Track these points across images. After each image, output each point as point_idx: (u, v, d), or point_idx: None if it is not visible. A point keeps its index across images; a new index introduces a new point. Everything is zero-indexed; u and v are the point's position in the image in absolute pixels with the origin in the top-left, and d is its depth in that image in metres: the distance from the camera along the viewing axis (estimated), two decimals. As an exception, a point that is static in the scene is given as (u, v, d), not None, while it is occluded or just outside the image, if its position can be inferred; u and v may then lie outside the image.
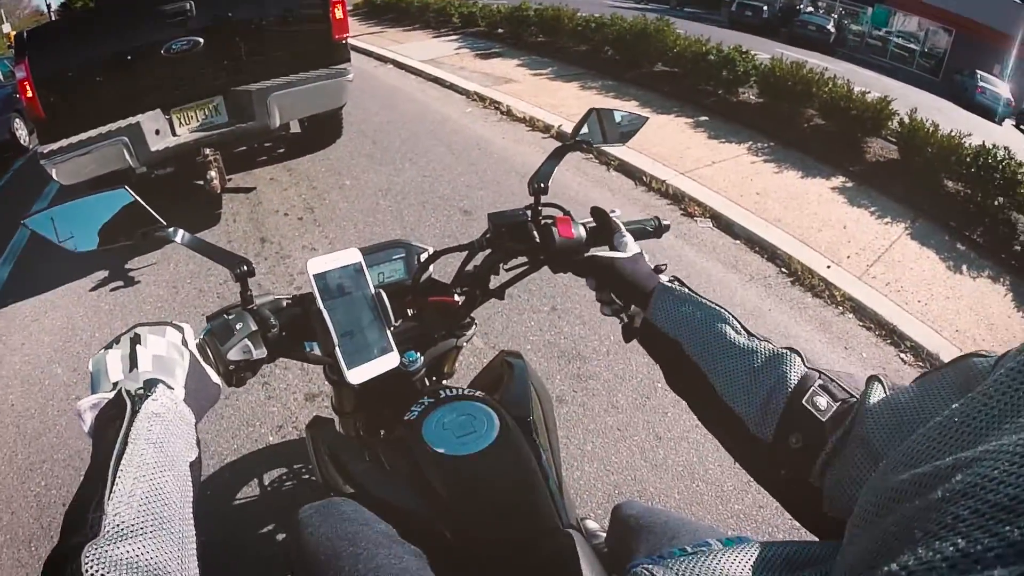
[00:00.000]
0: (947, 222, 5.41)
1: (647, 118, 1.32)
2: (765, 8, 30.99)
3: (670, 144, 6.39)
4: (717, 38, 9.44)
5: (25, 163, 10.64)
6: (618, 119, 1.27)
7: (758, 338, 0.78)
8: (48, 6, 55.34)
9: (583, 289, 3.25)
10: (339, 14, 5.14)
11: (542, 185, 1.09)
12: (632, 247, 1.01)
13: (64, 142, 4.59)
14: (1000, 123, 20.57)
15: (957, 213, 5.50)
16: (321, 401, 3.14)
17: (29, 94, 4.56)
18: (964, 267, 4.82)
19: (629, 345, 2.88)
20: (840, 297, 4.09)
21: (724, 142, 6.66)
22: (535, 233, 1.07)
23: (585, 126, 1.23)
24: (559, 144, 1.20)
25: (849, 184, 5.89)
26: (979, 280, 4.73)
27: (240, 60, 4.98)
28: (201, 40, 4.75)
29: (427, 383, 1.10)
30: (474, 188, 5.56)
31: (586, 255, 1.03)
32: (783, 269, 4.38)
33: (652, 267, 0.98)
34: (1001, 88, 22.72)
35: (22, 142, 11.62)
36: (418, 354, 1.07)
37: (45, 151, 4.60)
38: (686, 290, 0.90)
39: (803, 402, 0.68)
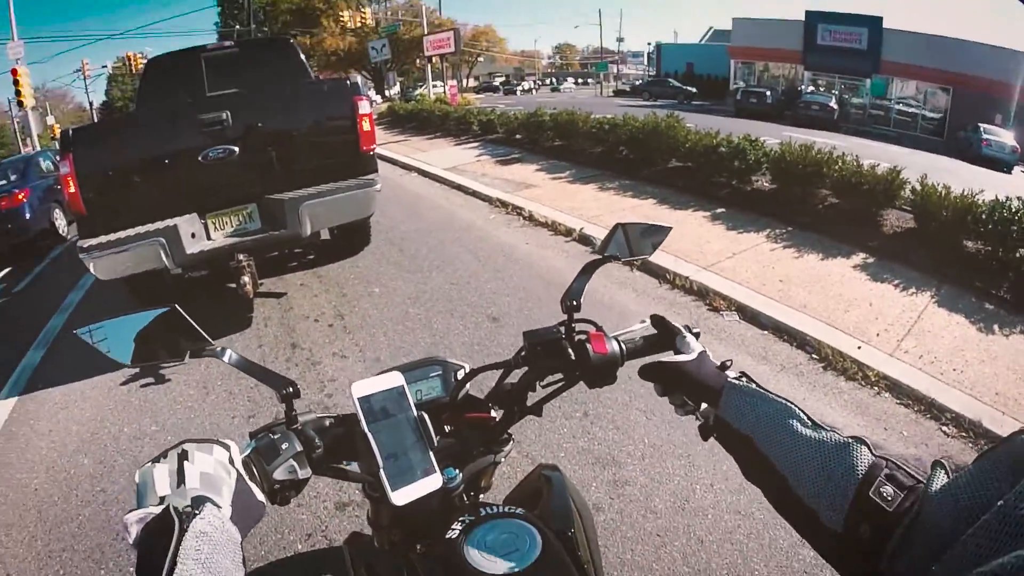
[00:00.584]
0: (972, 283, 5.39)
1: (670, 227, 1.36)
2: (768, 93, 31.96)
3: (690, 239, 6.50)
4: (726, 128, 9.68)
5: (62, 252, 11.05)
6: (643, 231, 1.31)
7: (826, 428, 0.79)
8: (90, 104, 58.23)
9: (615, 393, 3.50)
10: (367, 126, 5.31)
11: (575, 302, 1.10)
12: (695, 347, 1.04)
13: (103, 238, 4.73)
14: (1010, 172, 20.79)
15: (980, 273, 5.49)
16: (352, 511, 3.12)
17: (71, 189, 4.73)
18: (995, 326, 4.78)
19: (662, 447, 3.03)
20: (874, 377, 4.05)
21: (742, 232, 6.76)
22: (570, 350, 1.07)
23: (612, 241, 1.28)
24: (589, 260, 1.24)
25: (870, 260, 5.91)
26: (1012, 337, 4.67)
27: (273, 169, 5.14)
28: (236, 149, 4.96)
29: (465, 499, 1.08)
30: (501, 295, 5.63)
31: (652, 362, 1.04)
32: (813, 355, 4.37)
33: (718, 364, 1.00)
34: (1005, 137, 22.96)
35: (60, 232, 12.06)
36: (456, 471, 1.05)
37: (84, 246, 4.72)
38: (754, 385, 0.92)
39: (870, 493, 0.69)
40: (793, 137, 10.50)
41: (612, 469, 3.24)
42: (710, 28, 62.97)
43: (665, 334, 1.11)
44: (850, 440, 0.75)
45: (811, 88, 35.23)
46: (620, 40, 78.34)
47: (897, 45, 31.99)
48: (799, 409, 0.83)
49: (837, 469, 0.74)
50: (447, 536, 0.89)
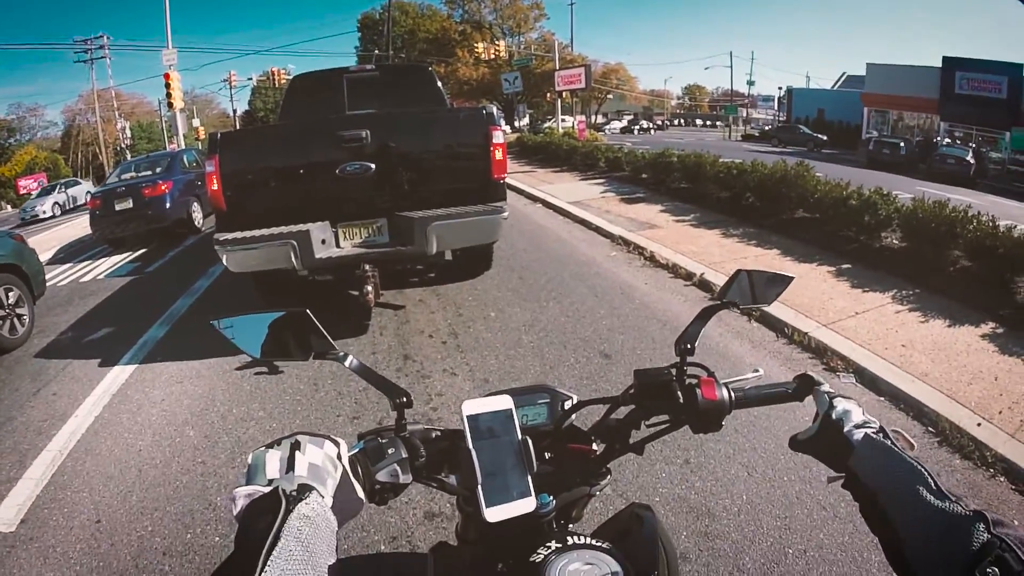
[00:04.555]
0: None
1: (792, 277, 1.35)
2: (902, 144, 30.52)
3: (812, 294, 6.39)
4: (856, 179, 9.41)
5: (196, 242, 12.05)
6: (765, 280, 1.31)
7: (951, 498, 0.78)
8: (234, 111, 62.37)
9: (719, 444, 3.61)
10: (499, 155, 5.42)
11: (689, 346, 1.12)
12: (825, 403, 1.06)
13: (239, 234, 5.06)
14: None
15: None
16: (440, 522, 3.18)
17: (215, 187, 5.07)
18: None
19: (760, 505, 3.14)
20: (991, 458, 3.79)
21: (867, 291, 6.57)
22: (679, 393, 1.08)
23: (733, 287, 1.29)
24: (707, 305, 1.26)
25: (1000, 330, 5.57)
26: None
27: (405, 188, 5.38)
28: (373, 166, 5.21)
29: (555, 526, 1.09)
30: (615, 332, 5.64)
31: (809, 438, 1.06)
32: (930, 428, 4.18)
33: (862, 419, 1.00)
34: None
35: (196, 223, 13.27)
36: (551, 498, 1.06)
37: (220, 239, 5.05)
38: (888, 442, 0.91)
39: (976, 571, 0.69)
40: (927, 192, 10.13)
41: (705, 520, 3.18)
42: (843, 74, 61.36)
43: (802, 388, 1.13)
44: (970, 514, 0.74)
45: (947, 140, 33.37)
46: (751, 83, 77.01)
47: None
48: (928, 473, 0.82)
49: (949, 542, 0.74)
50: (531, 559, 0.90)
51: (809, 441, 1.06)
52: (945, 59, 35.59)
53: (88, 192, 27.81)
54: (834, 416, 1.02)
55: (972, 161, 27.64)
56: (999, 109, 32.06)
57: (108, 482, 3.85)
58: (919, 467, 0.84)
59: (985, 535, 0.71)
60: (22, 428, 4.78)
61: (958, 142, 32.93)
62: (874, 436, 0.94)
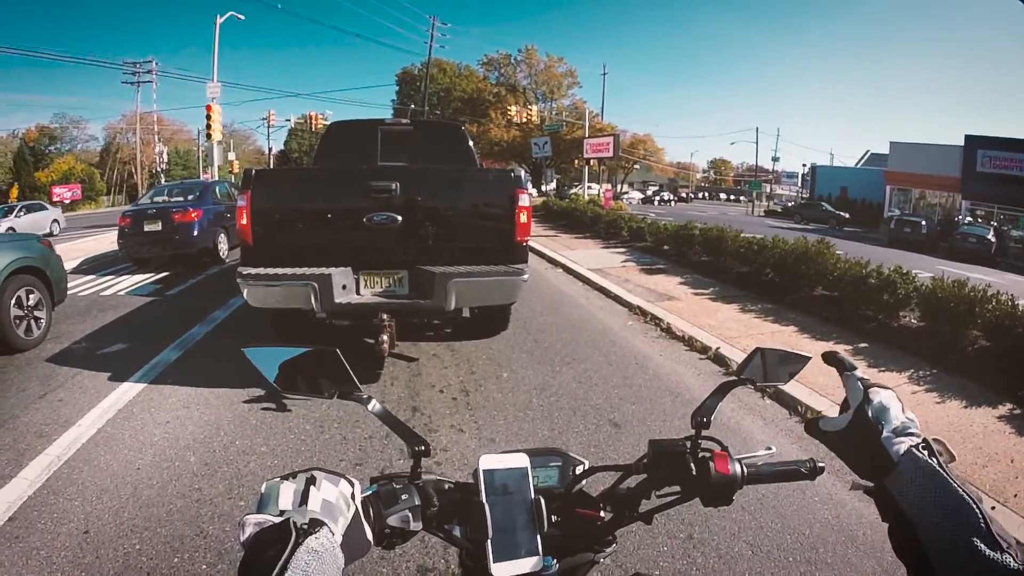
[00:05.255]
0: None
1: (810, 357, 1.32)
2: (924, 223, 30.65)
3: (828, 372, 5.94)
4: (876, 257, 9.49)
5: (218, 272, 12.17)
6: (781, 358, 1.29)
7: (1003, 544, 0.70)
8: (269, 149, 63.92)
9: (724, 520, 3.54)
10: (523, 219, 5.49)
11: (705, 419, 1.12)
12: (859, 398, 0.95)
13: (262, 270, 5.12)
14: None
15: None
16: None
17: (244, 221, 5.14)
18: None
19: None
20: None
21: (883, 370, 6.51)
22: (692, 465, 1.08)
23: (750, 364, 1.27)
24: (724, 381, 1.26)
25: (1017, 411, 5.50)
26: None
27: (429, 243, 5.44)
28: (400, 218, 5.27)
29: None
30: (627, 402, 5.56)
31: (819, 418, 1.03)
32: None
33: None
34: None
35: (221, 254, 13.47)
36: (554, 561, 1.04)
37: (244, 272, 5.10)
38: (934, 463, 0.80)
39: None
40: (947, 271, 10.08)
41: None
42: (867, 152, 62.29)
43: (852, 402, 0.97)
44: (1021, 568, 0.68)
45: (968, 219, 33.52)
46: (775, 159, 77.47)
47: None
48: (980, 512, 0.73)
49: None
50: None
51: (835, 436, 0.96)
52: (968, 137, 36.01)
53: (55, 220, 28.01)
54: (871, 413, 0.90)
55: (993, 240, 27.81)
56: (1021, 187, 32.28)
57: (102, 495, 3.83)
58: (971, 502, 0.74)
59: None
60: (24, 428, 4.80)
61: (980, 220, 33.22)
62: (919, 453, 0.82)
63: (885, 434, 0.87)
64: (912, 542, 0.77)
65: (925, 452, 0.82)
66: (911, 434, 0.86)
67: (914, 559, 0.78)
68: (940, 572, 0.73)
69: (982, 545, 0.70)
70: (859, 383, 0.96)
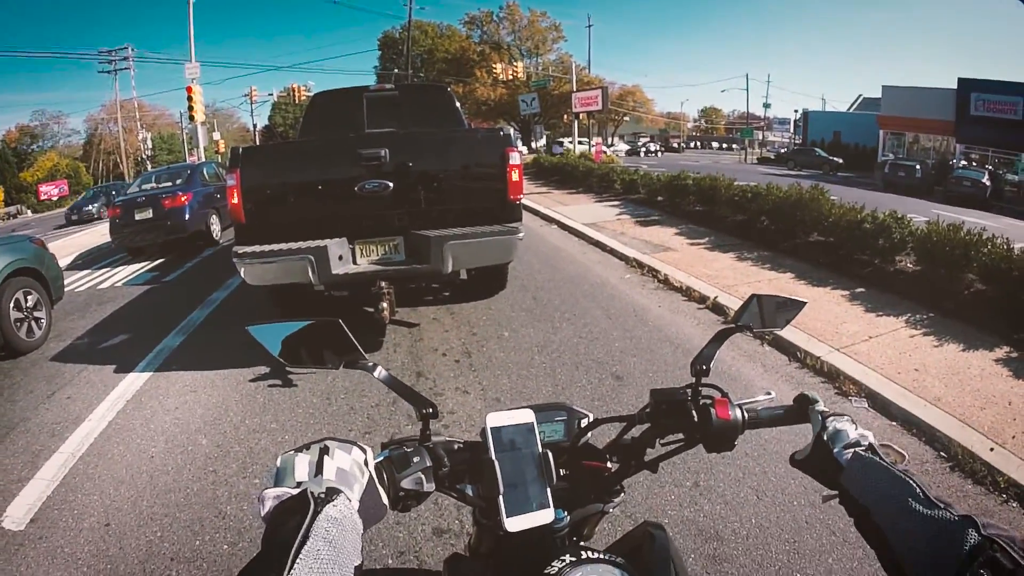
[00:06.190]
0: None
1: (805, 302, 1.38)
2: (918, 167, 30.56)
3: (825, 318, 6.37)
4: (871, 202, 9.44)
5: (213, 253, 12.20)
6: (778, 304, 1.34)
7: (940, 505, 0.79)
8: (254, 126, 63.08)
9: (729, 467, 3.63)
10: (515, 177, 5.49)
11: (704, 367, 1.15)
12: (819, 421, 1.08)
13: (257, 248, 5.13)
14: None
15: None
16: (448, 538, 3.18)
17: (235, 200, 5.14)
18: None
19: (769, 529, 3.21)
20: (1003, 483, 3.74)
21: (881, 315, 6.54)
22: (694, 413, 1.11)
23: (747, 311, 1.31)
24: (722, 328, 1.28)
25: (1014, 354, 5.52)
26: None
27: (423, 207, 5.46)
28: (391, 184, 5.29)
29: (567, 543, 1.08)
30: (627, 354, 5.65)
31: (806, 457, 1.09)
32: (942, 453, 4.13)
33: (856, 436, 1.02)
34: None
35: (214, 236, 13.44)
36: (565, 513, 1.07)
37: (239, 251, 5.13)
38: (876, 458, 0.94)
39: (967, 574, 0.70)
40: (942, 215, 10.07)
41: (714, 544, 3.15)
42: (859, 96, 61.48)
43: (798, 409, 1.15)
44: (959, 518, 0.76)
45: (963, 163, 33.15)
46: (767, 106, 77.29)
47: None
48: (916, 483, 0.84)
49: (940, 547, 0.75)
50: (546, 572, 0.91)
51: (805, 460, 1.08)
52: (961, 80, 35.50)
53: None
54: (826, 436, 1.04)
55: (988, 183, 27.68)
56: (1015, 130, 31.99)
57: (119, 486, 3.89)
58: (906, 478, 0.86)
59: (975, 538, 0.73)
60: (36, 429, 4.85)
61: (974, 164, 32.87)
62: (862, 453, 0.97)
63: (836, 449, 1.01)
64: (873, 527, 0.88)
65: (869, 452, 0.97)
66: (858, 444, 1.00)
67: (876, 540, 0.87)
68: (893, 539, 0.83)
69: (919, 506, 0.81)
70: (819, 415, 1.09)
